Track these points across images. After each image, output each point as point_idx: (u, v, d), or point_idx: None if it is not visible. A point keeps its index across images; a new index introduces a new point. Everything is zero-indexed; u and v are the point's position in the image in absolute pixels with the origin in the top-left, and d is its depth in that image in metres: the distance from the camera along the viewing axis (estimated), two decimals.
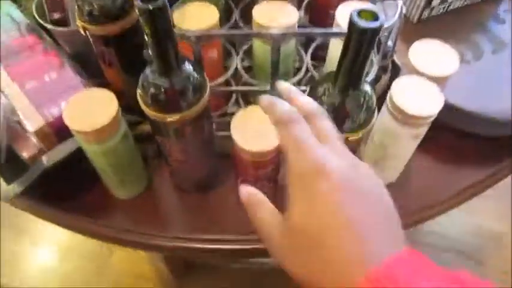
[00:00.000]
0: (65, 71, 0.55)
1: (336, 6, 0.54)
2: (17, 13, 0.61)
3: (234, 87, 0.53)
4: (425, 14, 0.64)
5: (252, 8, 0.59)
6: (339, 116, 0.40)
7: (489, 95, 0.57)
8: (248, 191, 0.32)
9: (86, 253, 1.24)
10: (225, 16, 0.57)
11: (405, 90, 0.45)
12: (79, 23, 0.48)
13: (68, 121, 0.43)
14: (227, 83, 0.54)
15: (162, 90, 0.40)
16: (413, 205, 0.55)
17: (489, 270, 1.19)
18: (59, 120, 0.51)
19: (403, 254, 0.25)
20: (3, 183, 0.51)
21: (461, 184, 0.57)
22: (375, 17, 0.33)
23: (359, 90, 0.38)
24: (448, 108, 0.46)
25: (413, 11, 0.64)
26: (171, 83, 0.40)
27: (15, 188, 0.50)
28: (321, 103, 0.40)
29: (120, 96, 0.59)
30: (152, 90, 0.40)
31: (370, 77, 0.49)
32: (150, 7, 0.33)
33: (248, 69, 0.57)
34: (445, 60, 0.48)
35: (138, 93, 0.42)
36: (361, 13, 0.32)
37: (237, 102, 0.58)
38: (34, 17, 0.58)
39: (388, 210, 0.28)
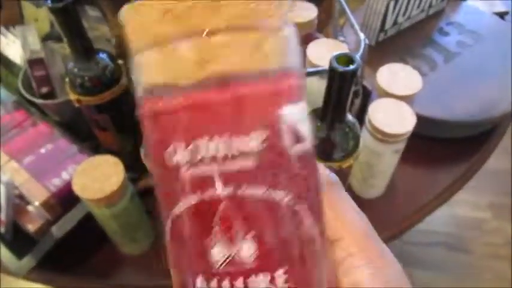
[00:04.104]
0: (58, 141, 0.57)
1: (304, 43, 0.60)
2: (1, 91, 0.63)
3: None
4: (381, 36, 0.71)
5: None
6: (329, 148, 0.44)
7: (449, 101, 0.64)
8: None
9: None
10: None
11: (381, 111, 0.51)
12: (72, 96, 0.50)
13: (77, 190, 0.45)
14: None
15: None
16: (403, 212, 0.60)
17: (478, 258, 1.25)
18: (63, 190, 0.53)
19: None
20: (15, 259, 0.52)
21: (441, 185, 0.63)
22: (350, 60, 0.38)
23: (344, 122, 0.43)
24: (418, 119, 0.52)
25: (370, 35, 0.70)
26: None
27: (28, 262, 0.51)
28: None
29: (115, 156, 0.61)
30: None
31: None
32: None
33: None
34: (409, 79, 0.54)
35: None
36: (338, 58, 0.37)
37: None
38: (19, 92, 0.60)
39: None
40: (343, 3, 0.58)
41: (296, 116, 0.17)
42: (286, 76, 0.17)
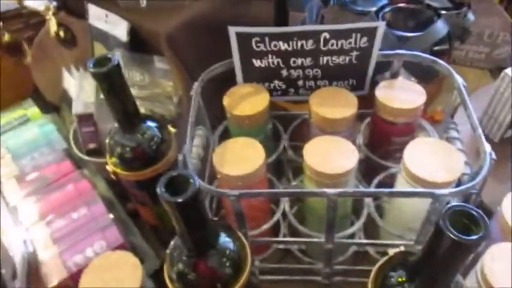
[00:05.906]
0: (94, 205, 0.50)
1: (400, 135, 0.47)
2: (55, 135, 0.58)
3: (282, 238, 0.45)
4: (509, 132, 0.54)
5: (302, 129, 0.53)
6: None
7: None
8: None
9: None
10: (274, 137, 0.51)
11: (501, 262, 0.35)
12: (110, 167, 0.43)
13: None
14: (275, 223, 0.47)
15: (196, 273, 0.33)
16: None
17: None
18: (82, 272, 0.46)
19: None
20: None
21: None
22: (470, 216, 0.24)
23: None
24: None
25: (494, 128, 0.54)
26: (207, 263, 0.33)
27: None
28: None
29: (153, 229, 0.53)
30: (180, 269, 0.33)
31: None
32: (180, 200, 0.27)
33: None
34: None
35: (165, 272, 0.35)
36: (452, 215, 0.24)
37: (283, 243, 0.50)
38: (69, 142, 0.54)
39: None
40: (465, 93, 0.43)
41: None
42: None
